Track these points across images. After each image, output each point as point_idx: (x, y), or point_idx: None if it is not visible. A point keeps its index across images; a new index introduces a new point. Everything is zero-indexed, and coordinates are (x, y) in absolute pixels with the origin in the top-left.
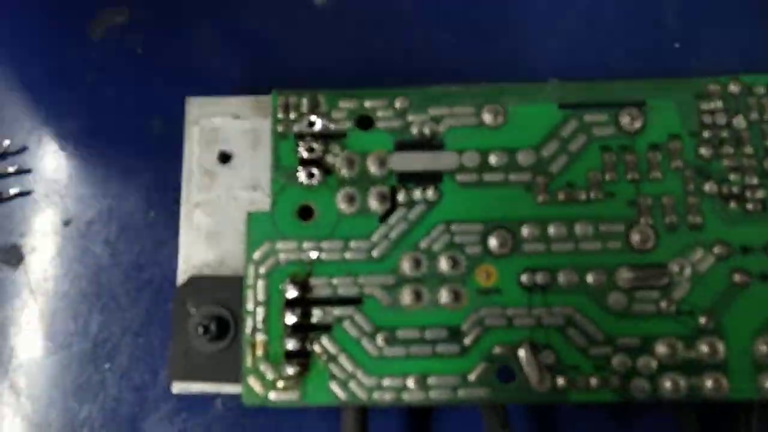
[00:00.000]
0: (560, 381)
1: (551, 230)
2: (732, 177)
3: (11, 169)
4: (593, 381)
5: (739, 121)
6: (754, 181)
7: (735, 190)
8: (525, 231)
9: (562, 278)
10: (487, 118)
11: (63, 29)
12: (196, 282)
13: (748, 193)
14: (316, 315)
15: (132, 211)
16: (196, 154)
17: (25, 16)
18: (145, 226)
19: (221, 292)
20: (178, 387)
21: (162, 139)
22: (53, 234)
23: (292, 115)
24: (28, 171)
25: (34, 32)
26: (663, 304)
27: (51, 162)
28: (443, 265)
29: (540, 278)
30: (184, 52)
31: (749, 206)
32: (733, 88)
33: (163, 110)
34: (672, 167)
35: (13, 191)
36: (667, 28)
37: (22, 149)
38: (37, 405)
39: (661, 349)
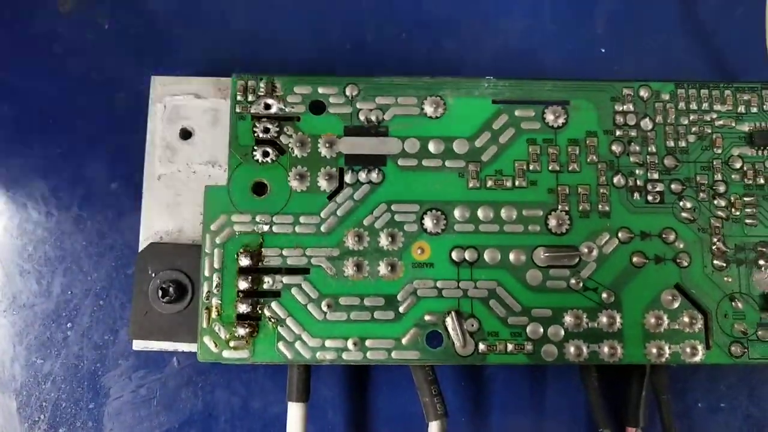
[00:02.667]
0: (482, 346)
1: (480, 213)
2: (637, 172)
3: None
4: (510, 346)
5: (646, 123)
6: (656, 176)
7: (639, 183)
8: (457, 213)
9: (487, 256)
10: (428, 109)
11: (32, 1)
12: (157, 248)
13: (649, 186)
14: (267, 282)
15: (96, 181)
16: (159, 130)
17: None
18: (108, 195)
19: (180, 259)
20: (138, 345)
21: (126, 114)
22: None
23: (250, 98)
24: None
25: (4, 3)
26: (573, 281)
27: None
28: (383, 240)
29: (468, 255)
30: (151, 30)
31: (650, 198)
32: (643, 93)
33: (127, 85)
34: (588, 161)
35: None
36: (596, 34)
37: None
38: (1, 359)
39: (568, 319)
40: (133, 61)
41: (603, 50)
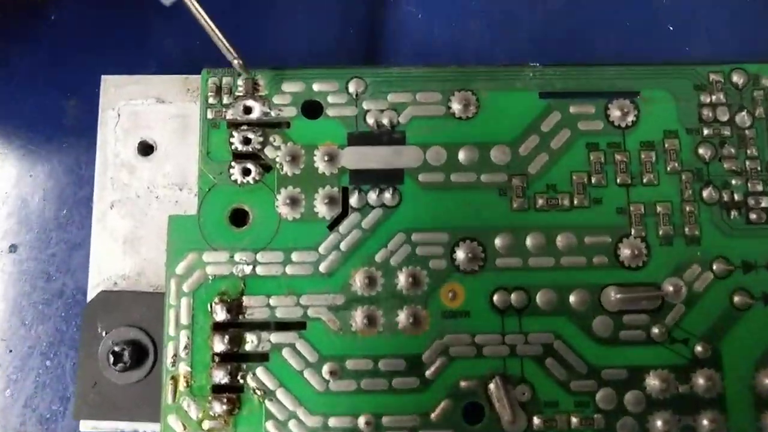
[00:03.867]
0: (536, 420)
1: (528, 242)
2: (734, 182)
3: None
4: (574, 420)
5: (743, 118)
6: (759, 187)
7: (737, 197)
8: (498, 242)
9: (540, 299)
10: (456, 107)
11: None
12: (109, 298)
13: (751, 201)
14: (251, 342)
15: (42, 210)
16: (111, 143)
17: None
18: (57, 227)
19: (138, 312)
20: (86, 426)
21: (78, 124)
22: None
23: (226, 99)
24: None
25: None
26: (655, 331)
27: None
28: (402, 282)
29: (515, 299)
30: (107, 23)
31: (752, 216)
32: (738, 78)
33: (79, 90)
34: (668, 169)
35: None
36: (661, 5)
37: None
38: None
39: (651, 382)
40: (86, 58)
41: (671, 27)
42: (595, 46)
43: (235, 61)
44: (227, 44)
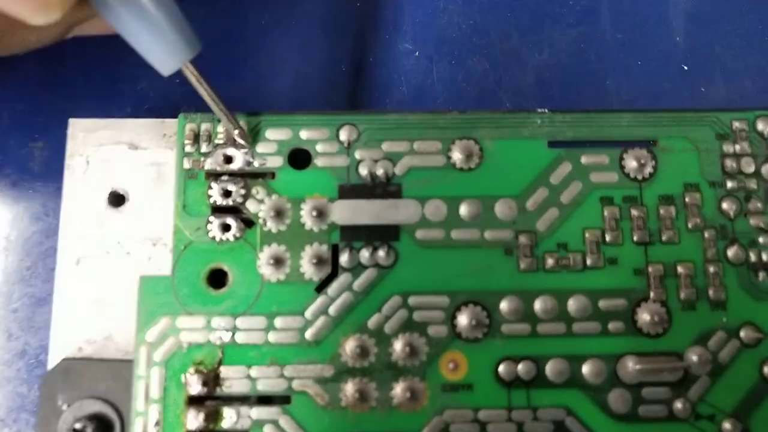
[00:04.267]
0: None
1: (537, 306)
2: (762, 240)
3: None
4: None
5: None
6: None
7: (765, 257)
8: (504, 306)
9: (550, 370)
10: (457, 156)
11: None
12: (72, 367)
13: None
14: (229, 418)
15: (4, 261)
16: (79, 193)
17: None
18: (20, 280)
19: (104, 382)
20: None
21: (46, 169)
22: None
23: (205, 147)
24: None
25: None
26: (678, 406)
27: None
28: (398, 351)
29: (523, 370)
30: (78, 61)
31: None
32: (763, 126)
33: (48, 132)
34: (690, 226)
35: None
36: (675, 44)
37: None
38: None
39: None
40: (55, 99)
41: (685, 67)
42: (606, 87)
43: (237, 131)
44: (228, 113)
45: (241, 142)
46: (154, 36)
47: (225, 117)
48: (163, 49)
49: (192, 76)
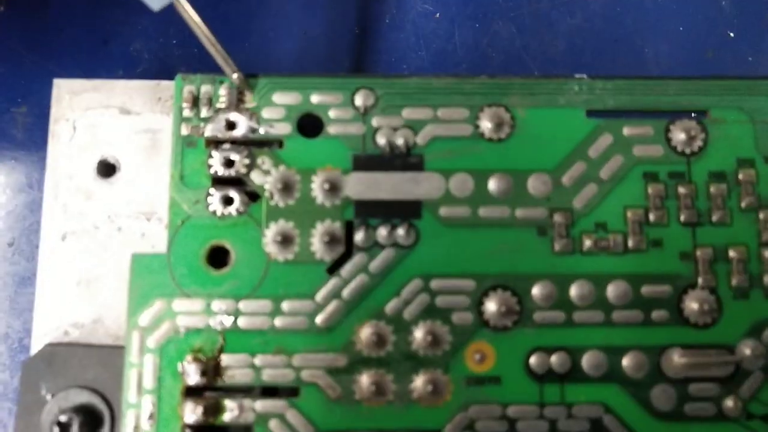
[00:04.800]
0: None
1: (573, 292)
2: None
3: None
4: None
5: None
6: None
7: None
8: (536, 292)
9: (587, 363)
10: (486, 125)
11: None
12: (57, 352)
13: None
14: (230, 411)
15: None
16: (64, 162)
17: None
18: (2, 258)
19: (93, 370)
20: None
21: (30, 136)
22: None
23: (205, 112)
24: None
25: None
26: (728, 404)
27: None
28: (418, 340)
29: (556, 362)
30: (65, 17)
31: None
32: None
33: (31, 95)
34: (743, 206)
35: None
36: (720, 8)
37: None
38: None
39: None
40: (39, 59)
41: (731, 33)
42: (644, 55)
43: (235, 75)
44: (225, 54)
45: (239, 84)
46: None
47: (222, 59)
48: None
49: (184, 12)
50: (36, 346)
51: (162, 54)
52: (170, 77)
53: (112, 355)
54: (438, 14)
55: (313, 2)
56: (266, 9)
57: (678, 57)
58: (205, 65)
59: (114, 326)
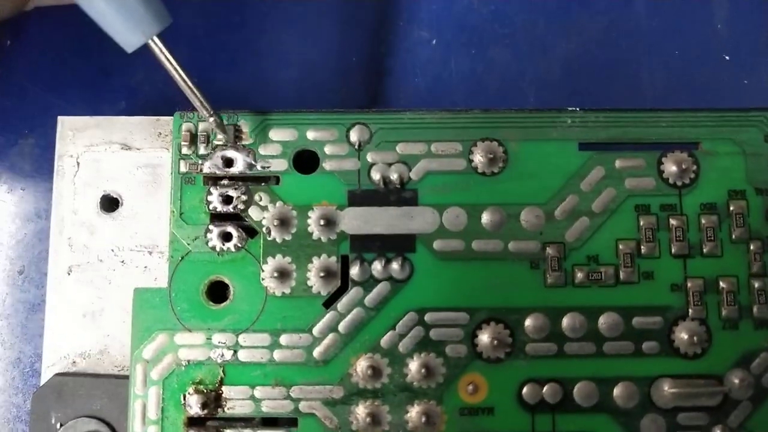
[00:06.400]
0: None
1: (565, 324)
2: None
3: None
4: None
5: None
6: None
7: None
8: (529, 324)
9: (578, 394)
10: (479, 160)
11: None
12: (65, 383)
13: None
14: None
15: None
16: (69, 197)
17: None
18: (13, 286)
19: (99, 400)
20: None
21: (38, 168)
22: None
23: (203, 149)
24: None
25: None
26: None
27: None
28: (413, 372)
29: (548, 393)
30: (70, 53)
31: None
32: None
33: (38, 128)
34: (733, 238)
35: None
36: (715, 31)
37: None
38: None
39: None
40: (46, 94)
41: (727, 57)
42: (640, 79)
43: (211, 119)
44: (200, 96)
45: (215, 128)
46: (115, 6)
47: (197, 100)
48: (126, 22)
49: (160, 53)
50: (45, 376)
51: (162, 86)
52: (172, 109)
53: (117, 385)
54: (434, 41)
55: (311, 31)
56: (264, 39)
57: (674, 81)
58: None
59: (119, 356)
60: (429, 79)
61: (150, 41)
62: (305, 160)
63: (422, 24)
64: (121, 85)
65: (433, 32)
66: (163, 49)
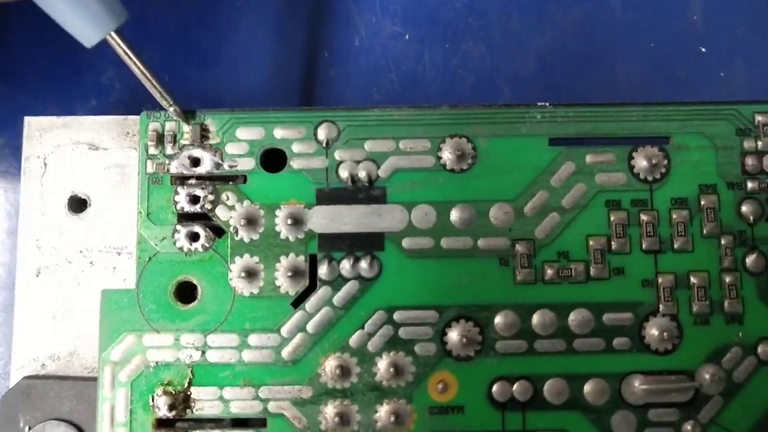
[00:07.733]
0: None
1: (535, 321)
2: None
3: None
4: None
5: None
6: None
7: None
8: (498, 322)
9: (549, 391)
10: (447, 156)
11: None
12: (34, 386)
13: None
14: None
15: None
16: (36, 199)
17: None
18: None
19: (68, 402)
20: None
21: (8, 168)
22: None
23: (169, 149)
24: None
25: None
26: (687, 428)
27: None
28: (382, 371)
29: (518, 391)
30: (37, 53)
31: None
32: None
33: (7, 128)
34: (704, 233)
35: None
36: (692, 23)
37: None
38: None
39: None
40: (12, 90)
41: (703, 49)
42: (614, 73)
43: (171, 108)
44: (160, 88)
45: (176, 118)
46: (70, 3)
47: (157, 92)
48: (83, 19)
49: (119, 48)
50: (14, 379)
51: (133, 83)
52: (141, 106)
53: (87, 387)
54: (407, 36)
55: (282, 27)
56: (236, 34)
57: (650, 74)
58: (176, 93)
59: (89, 358)
60: (402, 74)
61: (108, 36)
62: (273, 159)
63: (395, 18)
64: (92, 83)
65: (407, 27)
66: (122, 44)
